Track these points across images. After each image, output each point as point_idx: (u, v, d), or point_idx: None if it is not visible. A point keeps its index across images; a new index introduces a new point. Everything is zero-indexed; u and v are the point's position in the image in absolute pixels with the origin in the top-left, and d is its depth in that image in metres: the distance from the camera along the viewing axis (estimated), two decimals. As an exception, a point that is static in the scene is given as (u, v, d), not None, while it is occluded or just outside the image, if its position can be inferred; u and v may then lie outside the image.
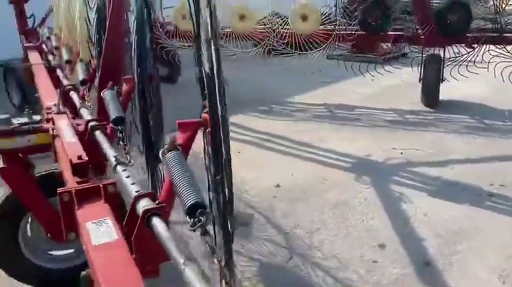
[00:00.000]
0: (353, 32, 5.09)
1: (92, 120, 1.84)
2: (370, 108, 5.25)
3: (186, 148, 1.63)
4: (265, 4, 5.26)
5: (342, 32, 5.10)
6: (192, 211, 1.03)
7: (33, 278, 2.26)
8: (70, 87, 2.44)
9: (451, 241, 2.61)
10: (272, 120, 4.96)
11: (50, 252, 2.29)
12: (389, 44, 5.61)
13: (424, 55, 4.98)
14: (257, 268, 2.44)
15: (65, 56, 2.94)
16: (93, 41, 2.30)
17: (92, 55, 2.47)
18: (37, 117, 2.16)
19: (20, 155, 2.11)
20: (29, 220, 2.21)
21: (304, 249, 2.58)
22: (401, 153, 3.91)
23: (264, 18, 5.39)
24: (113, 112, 1.73)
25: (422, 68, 5.01)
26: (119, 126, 1.68)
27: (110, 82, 1.87)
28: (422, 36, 4.87)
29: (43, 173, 2.09)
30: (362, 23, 4.99)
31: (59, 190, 1.39)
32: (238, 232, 2.73)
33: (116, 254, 1.12)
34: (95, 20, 2.22)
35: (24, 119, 2.13)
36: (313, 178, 3.48)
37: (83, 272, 1.19)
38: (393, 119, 4.90)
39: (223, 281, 0.88)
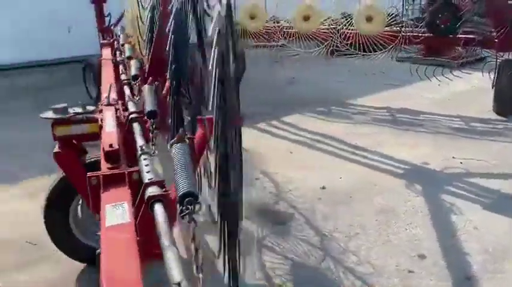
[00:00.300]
0: (420, 35, 4.91)
1: (133, 112, 1.97)
2: (436, 114, 5.02)
3: (201, 142, 1.69)
4: (329, 5, 5.22)
5: (408, 34, 4.94)
6: (182, 199, 1.09)
7: (84, 257, 2.45)
8: (125, 81, 2.62)
9: (498, 258, 2.44)
10: (330, 122, 4.91)
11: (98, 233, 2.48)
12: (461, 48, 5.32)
13: (498, 60, 4.67)
14: (289, 267, 2.45)
15: (127, 53, 3.15)
16: (144, 39, 2.45)
17: (142, 52, 2.63)
18: (91, 108, 2.35)
19: (74, 141, 2.31)
20: (80, 202, 2.41)
21: (339, 252, 2.55)
22: (461, 163, 3.70)
23: (328, 18, 5.36)
24: (148, 106, 1.84)
25: (496, 74, 4.70)
26: (151, 119, 1.79)
27: (150, 78, 1.99)
28: (496, 40, 4.57)
29: (91, 159, 2.27)
30: (430, 25, 4.78)
31: (89, 174, 1.52)
32: (275, 230, 2.79)
33: (123, 236, 1.21)
34: (148, 19, 2.36)
35: (79, 109, 2.34)
36: (362, 182, 3.42)
37: (98, 250, 1.30)
38: (459, 127, 4.64)
39: (195, 266, 0.92)
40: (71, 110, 2.32)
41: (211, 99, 1.15)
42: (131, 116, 1.95)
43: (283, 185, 3.40)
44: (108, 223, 1.29)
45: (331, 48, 5.40)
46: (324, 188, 3.34)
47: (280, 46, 5.78)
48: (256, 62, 6.87)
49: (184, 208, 1.06)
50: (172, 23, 1.43)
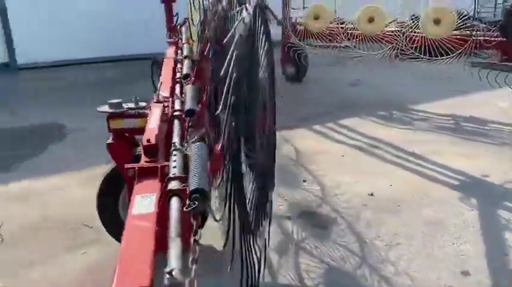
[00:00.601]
0: (493, 39, 4.62)
1: (176, 110, 2.07)
2: (504, 124, 4.70)
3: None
4: (394, 7, 5.07)
5: (479, 37, 4.67)
6: (191, 195, 1.15)
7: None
8: (177, 80, 2.74)
9: (552, 284, 2.27)
10: (389, 127, 4.78)
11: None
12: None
13: None
14: (323, 271, 2.45)
15: (184, 52, 3.29)
16: (194, 39, 2.55)
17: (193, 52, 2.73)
18: (142, 104, 2.50)
19: (127, 134, 2.47)
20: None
21: (377, 261, 2.51)
22: (526, 178, 3.46)
23: (393, 21, 5.21)
24: (187, 104, 1.93)
25: None
26: (189, 117, 1.87)
27: (193, 78, 2.08)
28: None
29: (139, 152, 2.41)
30: (503, 29, 4.49)
31: (126, 165, 1.64)
32: (315, 233, 2.79)
33: (143, 225, 1.30)
34: (199, 20, 2.45)
35: (132, 105, 2.50)
36: (412, 191, 3.31)
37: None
38: (529, 140, 4.32)
39: (191, 258, 0.97)
40: (124, 105, 2.49)
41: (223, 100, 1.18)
42: (174, 113, 2.06)
43: (330, 188, 3.38)
44: (134, 211, 1.39)
45: (396, 51, 5.24)
46: (372, 194, 3.27)
47: (343, 47, 5.70)
48: (319, 63, 6.85)
49: (191, 203, 1.12)
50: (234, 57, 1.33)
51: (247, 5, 1.38)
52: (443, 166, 3.72)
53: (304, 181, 3.53)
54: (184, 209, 1.10)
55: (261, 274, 1.72)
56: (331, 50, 5.86)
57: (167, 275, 0.88)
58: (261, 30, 1.48)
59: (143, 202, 1.45)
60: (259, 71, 1.53)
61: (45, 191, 3.39)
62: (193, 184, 1.17)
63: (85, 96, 5.83)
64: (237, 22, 1.27)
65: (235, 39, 1.17)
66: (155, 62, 6.02)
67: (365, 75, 6.70)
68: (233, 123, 1.15)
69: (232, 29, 1.27)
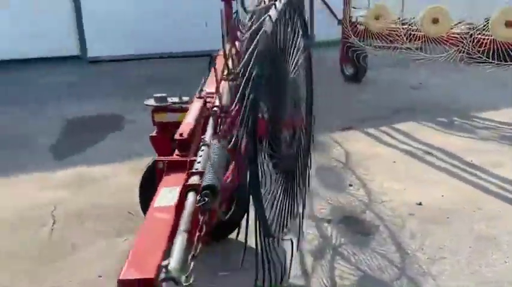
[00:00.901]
0: None
1: (214, 106, 2.09)
2: None
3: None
4: (462, 8, 4.79)
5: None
6: (202, 190, 1.15)
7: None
8: (224, 76, 2.77)
9: None
10: (448, 134, 4.53)
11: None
12: None
13: None
14: (358, 278, 2.37)
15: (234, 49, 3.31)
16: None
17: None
18: (186, 99, 2.55)
19: (170, 128, 2.54)
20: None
21: (417, 274, 2.38)
22: None
23: (459, 22, 4.93)
24: (223, 101, 1.93)
25: None
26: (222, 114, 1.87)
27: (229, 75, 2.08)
28: None
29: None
30: None
31: (156, 158, 1.68)
32: (355, 240, 2.70)
33: (162, 216, 1.33)
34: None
35: (176, 99, 2.56)
36: (465, 203, 3.11)
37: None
38: None
39: (191, 253, 0.97)
40: (169, 99, 2.56)
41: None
42: (212, 109, 2.07)
43: (377, 195, 3.26)
44: (156, 203, 1.42)
45: (462, 54, 4.95)
46: (420, 204, 3.12)
47: (405, 49, 5.47)
48: (379, 64, 6.64)
49: (201, 198, 1.12)
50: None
51: (277, 1, 1.35)
52: (502, 178, 3.47)
53: (351, 185, 3.44)
54: (196, 204, 1.10)
55: (285, 276, 1.70)
56: (392, 51, 5.66)
57: (163, 269, 0.89)
58: (291, 28, 1.45)
59: (167, 195, 1.49)
60: (288, 69, 1.50)
61: (97, 178, 3.57)
62: (206, 180, 1.17)
63: (147, 91, 6.03)
64: (262, 18, 1.25)
65: (258, 36, 1.16)
66: (212, 59, 6.15)
67: (428, 78, 6.40)
68: (249, 123, 1.14)
69: (255, 25, 1.25)
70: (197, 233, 1.05)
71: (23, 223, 2.92)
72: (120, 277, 1.04)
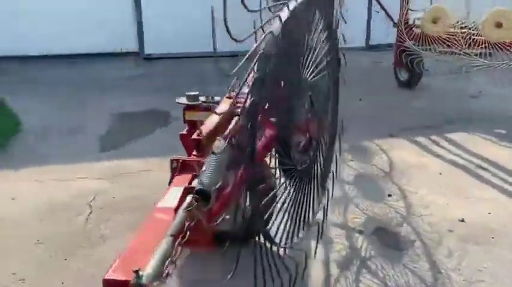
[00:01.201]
0: None
1: (239, 107, 2.06)
2: None
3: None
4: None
5: None
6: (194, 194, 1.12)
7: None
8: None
9: None
10: (502, 147, 4.22)
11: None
12: None
13: None
14: (383, 295, 2.25)
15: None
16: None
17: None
18: (217, 99, 2.54)
19: (199, 126, 2.54)
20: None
21: (449, 296, 2.22)
22: None
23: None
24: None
25: None
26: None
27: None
28: None
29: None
30: None
31: (171, 157, 1.67)
32: (386, 253, 2.58)
33: (161, 218, 1.31)
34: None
35: (208, 98, 2.55)
36: (514, 223, 2.87)
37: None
38: None
39: (170, 259, 0.94)
40: (201, 98, 2.56)
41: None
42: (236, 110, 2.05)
43: (416, 208, 3.09)
44: (160, 204, 1.42)
45: (526, 62, 4.60)
46: (462, 220, 2.91)
47: (464, 55, 5.16)
48: (436, 70, 6.31)
49: (191, 201, 1.09)
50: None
51: (290, 1, 1.29)
52: (561, 199, 3.17)
53: (390, 195, 3.28)
54: (182, 209, 1.08)
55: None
56: (449, 57, 5.36)
57: (133, 274, 0.87)
58: (310, 30, 1.38)
59: (174, 195, 1.47)
60: (304, 72, 1.43)
61: (139, 172, 3.65)
62: (198, 184, 1.14)
63: (196, 89, 6.13)
64: (271, 19, 1.20)
65: (264, 38, 1.11)
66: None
67: (489, 87, 6.01)
68: (249, 127, 1.09)
69: (261, 26, 1.20)
70: (178, 239, 1.02)
71: (60, 211, 3.04)
72: (105, 277, 1.04)
